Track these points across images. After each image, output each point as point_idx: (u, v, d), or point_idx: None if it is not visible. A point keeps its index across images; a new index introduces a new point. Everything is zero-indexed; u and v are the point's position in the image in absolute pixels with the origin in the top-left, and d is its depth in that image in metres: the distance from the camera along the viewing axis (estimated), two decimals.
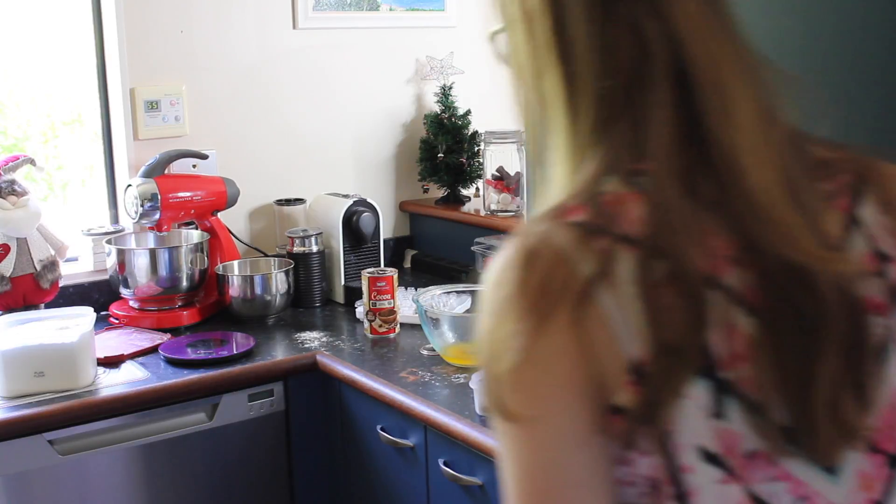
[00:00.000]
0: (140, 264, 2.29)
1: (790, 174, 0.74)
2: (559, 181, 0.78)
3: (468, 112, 2.87)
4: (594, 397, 0.72)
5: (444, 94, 2.87)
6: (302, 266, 2.46)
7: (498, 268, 0.74)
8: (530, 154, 0.80)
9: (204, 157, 2.46)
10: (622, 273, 0.71)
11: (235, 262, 2.44)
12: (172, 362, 2.07)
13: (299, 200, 2.65)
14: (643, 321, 0.70)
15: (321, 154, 2.79)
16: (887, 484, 0.77)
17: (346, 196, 2.66)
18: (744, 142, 0.72)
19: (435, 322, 2.05)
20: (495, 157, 2.70)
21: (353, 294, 2.53)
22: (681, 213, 0.72)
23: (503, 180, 2.68)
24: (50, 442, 1.84)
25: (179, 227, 2.47)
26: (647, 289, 0.70)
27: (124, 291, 2.32)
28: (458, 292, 2.25)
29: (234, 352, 2.10)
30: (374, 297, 2.24)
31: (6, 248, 2.27)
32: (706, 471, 0.73)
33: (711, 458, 0.73)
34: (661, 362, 0.70)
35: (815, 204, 0.75)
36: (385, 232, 2.76)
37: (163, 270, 2.29)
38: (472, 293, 2.26)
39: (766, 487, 0.74)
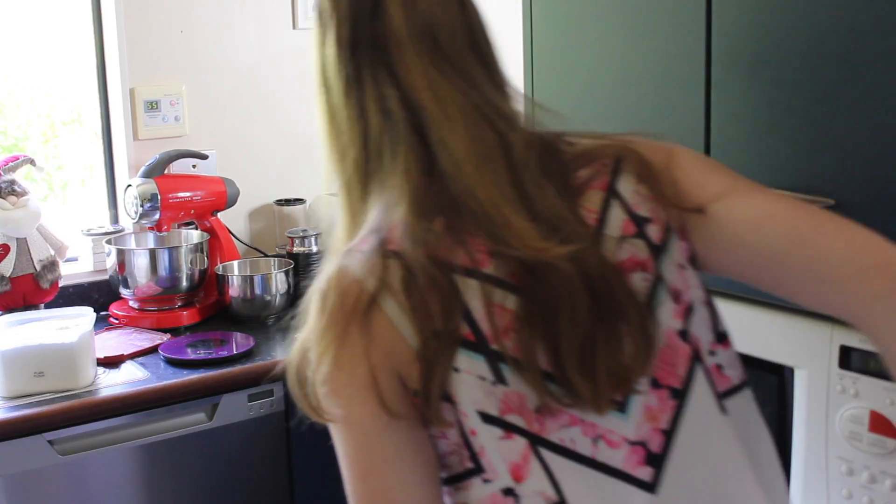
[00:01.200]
0: (140, 264, 2.29)
1: (522, 186, 0.89)
2: (343, 225, 0.97)
3: None
4: (397, 387, 0.87)
5: None
6: (302, 266, 2.46)
7: (310, 298, 0.91)
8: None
9: (204, 157, 2.46)
10: (395, 282, 0.87)
11: (235, 262, 2.44)
12: (172, 362, 2.07)
13: (299, 200, 2.65)
14: (412, 316, 0.86)
15: (321, 154, 2.79)
16: (673, 414, 0.89)
17: None
18: (468, 170, 0.89)
19: None
20: None
21: None
22: (419, 229, 0.88)
23: None
24: (50, 442, 1.84)
25: (179, 227, 2.47)
26: (410, 291, 0.86)
27: (124, 291, 2.32)
28: None
29: (234, 352, 2.10)
30: None
31: (6, 248, 2.27)
32: (487, 430, 0.88)
33: (490, 419, 0.87)
34: (429, 346, 0.86)
35: (552, 201, 0.89)
36: None
37: (163, 270, 2.29)
38: None
39: (563, 434, 0.88)
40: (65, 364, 1.92)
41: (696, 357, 0.91)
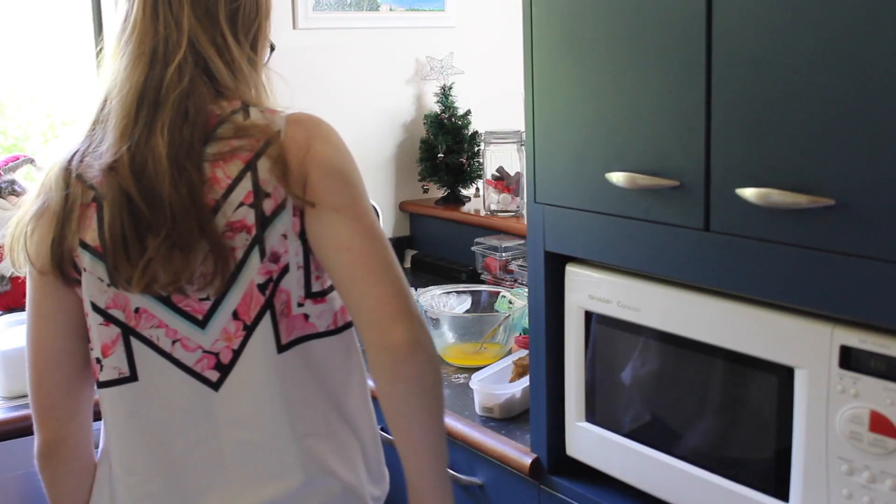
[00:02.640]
0: None
1: (138, 123, 1.15)
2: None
3: (468, 112, 2.87)
4: (64, 263, 1.19)
5: (444, 94, 2.87)
6: None
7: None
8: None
9: None
10: (55, 192, 1.18)
11: None
12: None
13: None
14: (58, 220, 1.18)
15: None
16: (243, 340, 1.18)
17: None
18: (112, 97, 1.18)
19: (435, 322, 2.05)
20: (495, 157, 2.70)
21: None
22: (82, 148, 1.19)
23: (503, 180, 2.68)
24: None
25: None
26: (61, 202, 1.18)
27: None
28: (458, 292, 2.25)
29: None
30: None
31: None
32: (94, 316, 1.21)
33: (97, 309, 1.20)
34: (64, 245, 1.19)
35: (153, 141, 1.14)
36: (385, 232, 2.76)
37: None
38: (472, 293, 2.26)
39: (151, 332, 1.19)
40: None
41: (269, 305, 1.18)
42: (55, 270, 1.20)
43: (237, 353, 1.18)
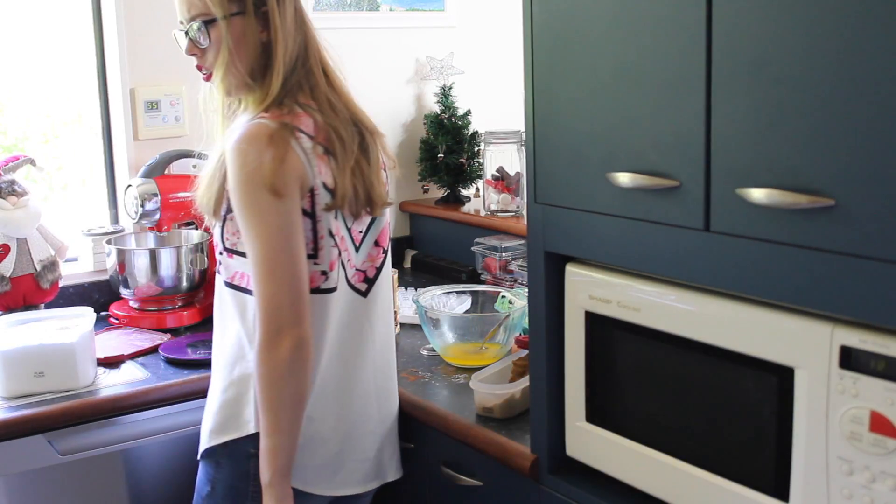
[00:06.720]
0: (140, 265, 2.29)
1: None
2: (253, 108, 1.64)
3: (468, 112, 2.87)
4: (301, 193, 1.56)
5: (444, 94, 2.87)
6: None
7: (252, 135, 1.54)
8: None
9: (204, 157, 2.46)
10: (303, 143, 1.55)
11: None
12: (172, 362, 2.07)
13: None
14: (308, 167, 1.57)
15: None
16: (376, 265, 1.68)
17: None
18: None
19: (435, 322, 2.05)
20: (495, 158, 2.70)
21: None
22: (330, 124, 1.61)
23: (503, 180, 2.68)
24: (50, 442, 1.84)
25: (179, 227, 2.47)
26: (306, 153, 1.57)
27: (124, 292, 2.32)
28: (458, 292, 2.25)
29: None
30: None
31: (6, 248, 2.27)
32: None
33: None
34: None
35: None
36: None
37: (163, 271, 2.29)
38: (472, 293, 2.26)
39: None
40: (65, 364, 1.92)
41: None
42: None
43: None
